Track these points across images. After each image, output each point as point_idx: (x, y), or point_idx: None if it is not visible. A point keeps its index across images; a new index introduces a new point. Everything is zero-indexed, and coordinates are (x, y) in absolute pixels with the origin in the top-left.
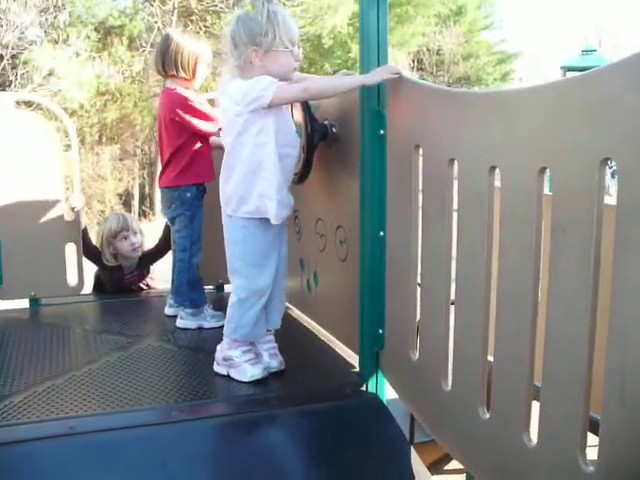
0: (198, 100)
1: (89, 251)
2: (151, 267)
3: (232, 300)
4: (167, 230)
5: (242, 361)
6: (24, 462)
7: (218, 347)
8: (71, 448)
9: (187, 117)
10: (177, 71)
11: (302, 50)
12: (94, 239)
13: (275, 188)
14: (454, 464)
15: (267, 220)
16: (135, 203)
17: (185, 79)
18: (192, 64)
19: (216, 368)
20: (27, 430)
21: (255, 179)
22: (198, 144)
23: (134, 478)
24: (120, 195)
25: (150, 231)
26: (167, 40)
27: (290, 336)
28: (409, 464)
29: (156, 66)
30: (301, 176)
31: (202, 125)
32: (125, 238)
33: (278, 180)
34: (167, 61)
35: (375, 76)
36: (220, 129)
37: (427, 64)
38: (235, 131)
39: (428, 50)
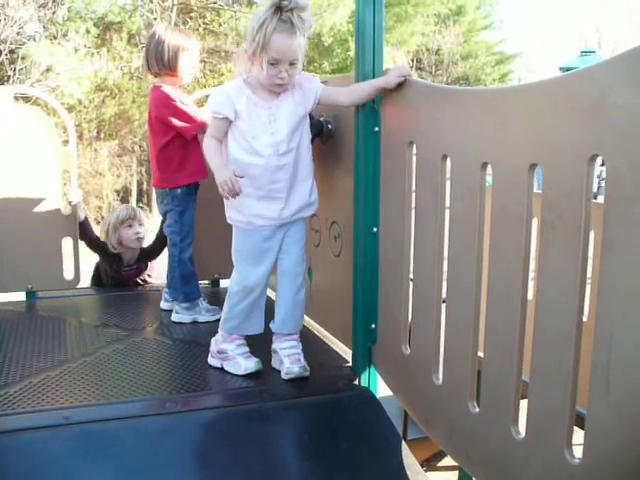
0: (181, 99)
1: (90, 240)
2: (150, 264)
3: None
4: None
5: (236, 354)
6: (19, 451)
7: (212, 340)
8: (66, 438)
9: (169, 116)
10: (161, 67)
11: (296, 69)
12: (97, 230)
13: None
14: (447, 461)
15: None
16: (133, 200)
17: (170, 75)
18: (173, 57)
19: (210, 361)
20: (23, 420)
21: None
22: (184, 143)
23: (128, 468)
24: (118, 191)
25: (148, 227)
26: (151, 37)
27: None
28: (400, 456)
29: (145, 65)
30: None
31: (181, 125)
32: (130, 226)
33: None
34: (151, 58)
35: (390, 79)
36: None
37: (426, 64)
38: None
39: (427, 50)
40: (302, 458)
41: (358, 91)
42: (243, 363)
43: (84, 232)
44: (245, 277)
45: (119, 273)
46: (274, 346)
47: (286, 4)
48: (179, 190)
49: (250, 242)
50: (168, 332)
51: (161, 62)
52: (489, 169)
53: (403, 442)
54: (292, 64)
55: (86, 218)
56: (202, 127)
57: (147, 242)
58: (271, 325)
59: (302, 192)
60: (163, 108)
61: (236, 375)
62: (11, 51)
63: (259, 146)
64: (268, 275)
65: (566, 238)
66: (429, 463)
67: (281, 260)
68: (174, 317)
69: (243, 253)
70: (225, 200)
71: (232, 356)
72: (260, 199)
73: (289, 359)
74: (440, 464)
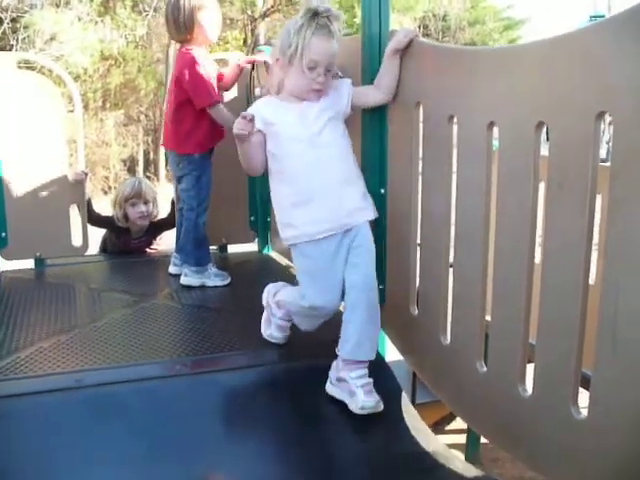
0: (205, 68)
1: (95, 219)
2: (159, 236)
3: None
4: (174, 205)
5: (274, 320)
6: (32, 414)
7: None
8: (77, 401)
9: (187, 79)
10: (182, 32)
11: (335, 72)
12: (104, 201)
13: (275, 207)
14: (456, 424)
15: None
16: (139, 169)
17: (192, 37)
18: (189, 18)
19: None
20: (34, 383)
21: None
22: (197, 110)
23: (138, 429)
24: (124, 161)
25: (156, 202)
26: (167, 4)
27: None
28: (403, 416)
29: (169, 35)
30: None
31: (193, 93)
32: (134, 205)
33: (275, 199)
34: (170, 25)
35: (400, 38)
36: (216, 102)
37: (433, 30)
38: None
39: (434, 16)
40: (311, 420)
41: (382, 74)
42: (274, 331)
43: (88, 213)
44: (314, 300)
45: (127, 245)
46: (342, 374)
47: (322, 10)
48: (196, 155)
49: (311, 261)
50: (177, 297)
51: (180, 26)
52: (496, 133)
53: (411, 405)
54: (328, 70)
55: (89, 200)
56: (212, 103)
57: (162, 212)
58: (340, 351)
59: (352, 193)
60: (185, 69)
61: (246, 338)
62: (13, 19)
63: (294, 143)
64: (339, 299)
65: (573, 197)
66: (437, 427)
67: (350, 274)
68: (183, 280)
69: (307, 276)
70: (279, 224)
71: (271, 319)
72: (306, 203)
73: (362, 390)
74: (448, 427)
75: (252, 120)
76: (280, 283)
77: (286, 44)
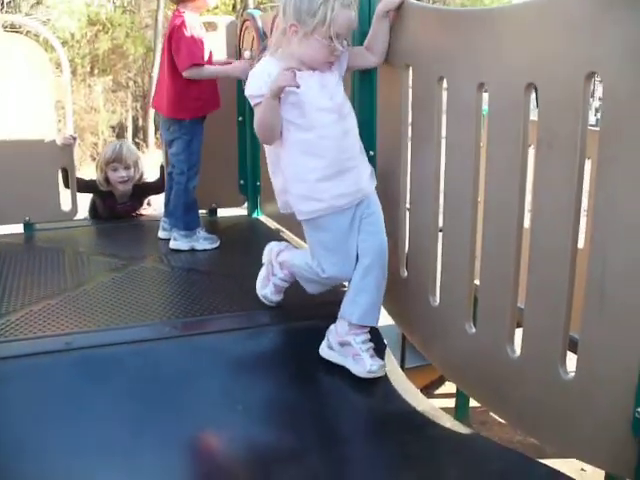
0: (194, 33)
1: (79, 184)
2: (146, 200)
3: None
4: (163, 170)
5: (273, 279)
6: (22, 376)
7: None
8: (67, 363)
9: (174, 42)
10: None
11: (348, 44)
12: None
13: (291, 181)
14: (444, 388)
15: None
16: (128, 135)
17: (191, 0)
18: None
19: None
20: (24, 346)
21: (276, 171)
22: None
23: (128, 391)
24: (113, 127)
25: (144, 163)
26: None
27: None
28: (392, 377)
29: None
30: None
31: (177, 55)
32: (115, 170)
33: (296, 172)
34: None
35: (388, 3)
36: (194, 65)
37: None
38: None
39: None
40: (299, 381)
41: (372, 36)
42: (268, 288)
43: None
44: (332, 272)
45: (113, 209)
46: (347, 338)
47: None
48: (187, 120)
49: (329, 234)
50: (166, 260)
51: None
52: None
53: (399, 367)
54: (346, 39)
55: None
56: (187, 66)
57: (151, 177)
58: (348, 315)
59: (365, 162)
60: (173, 32)
61: (236, 300)
62: None
63: (325, 114)
64: (354, 268)
65: (563, 157)
66: (427, 390)
67: (364, 241)
68: (172, 244)
69: (324, 249)
70: (296, 197)
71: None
72: (336, 176)
73: (368, 354)
74: (438, 392)
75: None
76: (284, 243)
77: (309, 13)
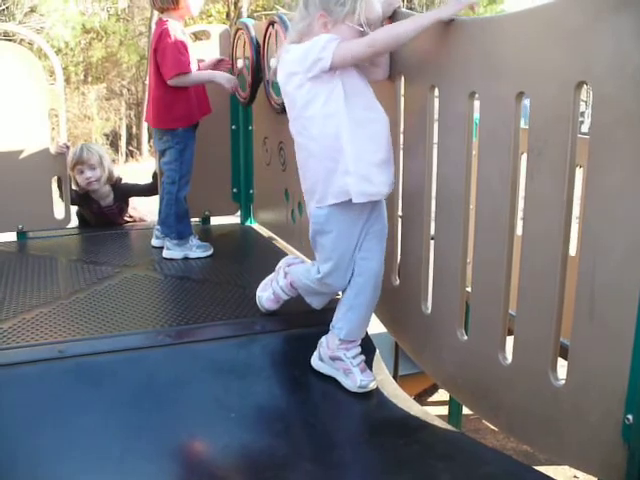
0: (178, 41)
1: (72, 198)
2: (131, 200)
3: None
4: (156, 177)
5: (274, 285)
6: (15, 384)
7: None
8: (60, 371)
9: (159, 52)
10: (165, 1)
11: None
12: None
13: (352, 160)
14: (437, 396)
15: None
16: (122, 143)
17: (174, 9)
18: None
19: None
20: (17, 354)
21: (333, 155)
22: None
23: (122, 399)
24: (107, 135)
25: (137, 172)
26: None
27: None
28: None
29: (150, 1)
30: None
31: (163, 65)
32: (81, 172)
33: (357, 151)
34: None
35: (450, 9)
36: (179, 74)
37: (417, 3)
38: (299, 106)
39: None
40: (292, 388)
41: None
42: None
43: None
44: (329, 277)
45: (101, 214)
46: (337, 354)
47: None
48: (180, 129)
49: (343, 225)
50: (159, 268)
51: None
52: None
53: (389, 375)
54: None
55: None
56: (172, 76)
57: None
58: (337, 330)
59: None
60: (158, 42)
61: (228, 307)
62: None
63: (370, 99)
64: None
65: (553, 165)
66: (420, 398)
67: (362, 259)
68: (165, 253)
69: (329, 249)
70: (357, 177)
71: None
72: (387, 163)
73: (359, 369)
74: (430, 399)
75: None
76: (299, 259)
77: (338, 2)
